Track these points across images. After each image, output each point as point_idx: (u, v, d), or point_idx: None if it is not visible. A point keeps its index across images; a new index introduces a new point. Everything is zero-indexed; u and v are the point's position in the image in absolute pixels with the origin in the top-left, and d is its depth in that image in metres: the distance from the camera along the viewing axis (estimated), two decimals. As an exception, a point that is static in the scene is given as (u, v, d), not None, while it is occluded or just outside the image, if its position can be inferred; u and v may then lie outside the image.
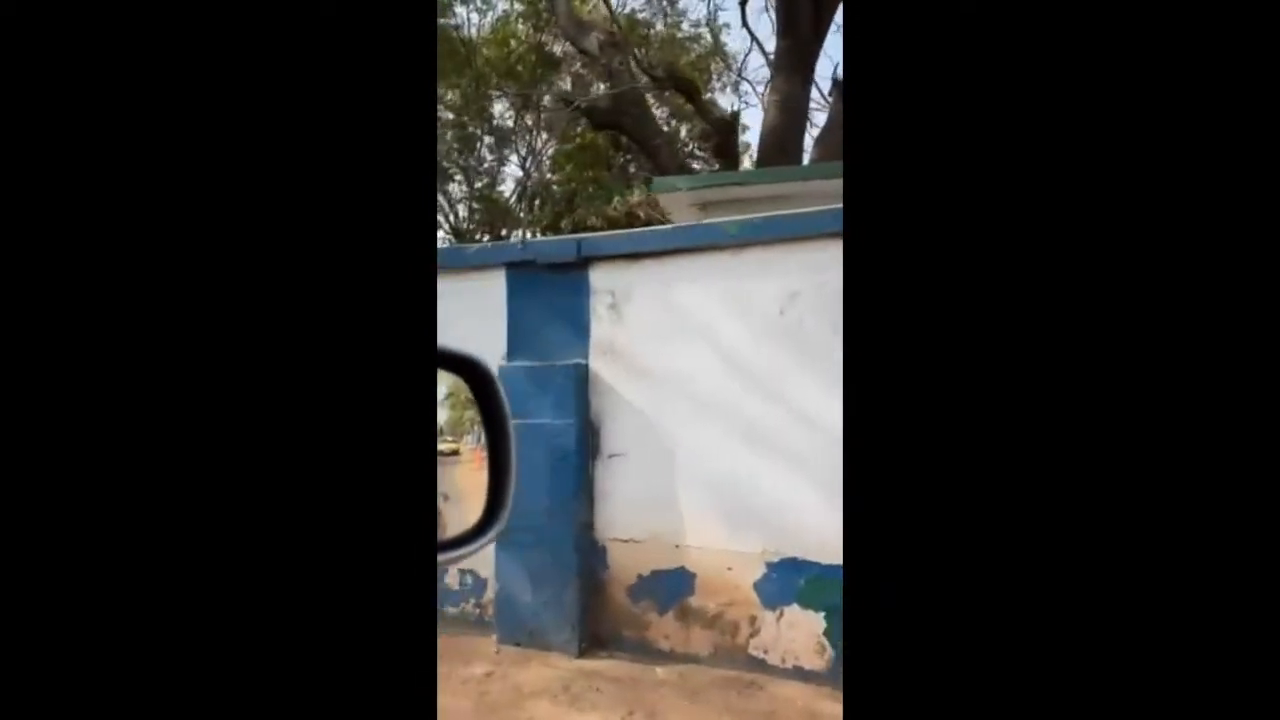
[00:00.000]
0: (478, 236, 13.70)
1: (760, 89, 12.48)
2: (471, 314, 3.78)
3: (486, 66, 11.75)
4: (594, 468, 3.46)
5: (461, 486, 0.87)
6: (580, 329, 3.52)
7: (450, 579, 3.79)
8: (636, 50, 7.37)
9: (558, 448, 3.40)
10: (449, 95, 12.71)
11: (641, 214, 12.63)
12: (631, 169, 14.42)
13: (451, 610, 3.79)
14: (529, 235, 11.53)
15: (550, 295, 3.60)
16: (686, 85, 6.35)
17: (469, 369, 0.83)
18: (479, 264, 3.78)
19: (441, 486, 0.80)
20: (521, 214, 13.73)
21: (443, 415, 0.89)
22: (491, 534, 0.79)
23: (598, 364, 3.48)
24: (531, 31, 12.05)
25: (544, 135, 13.38)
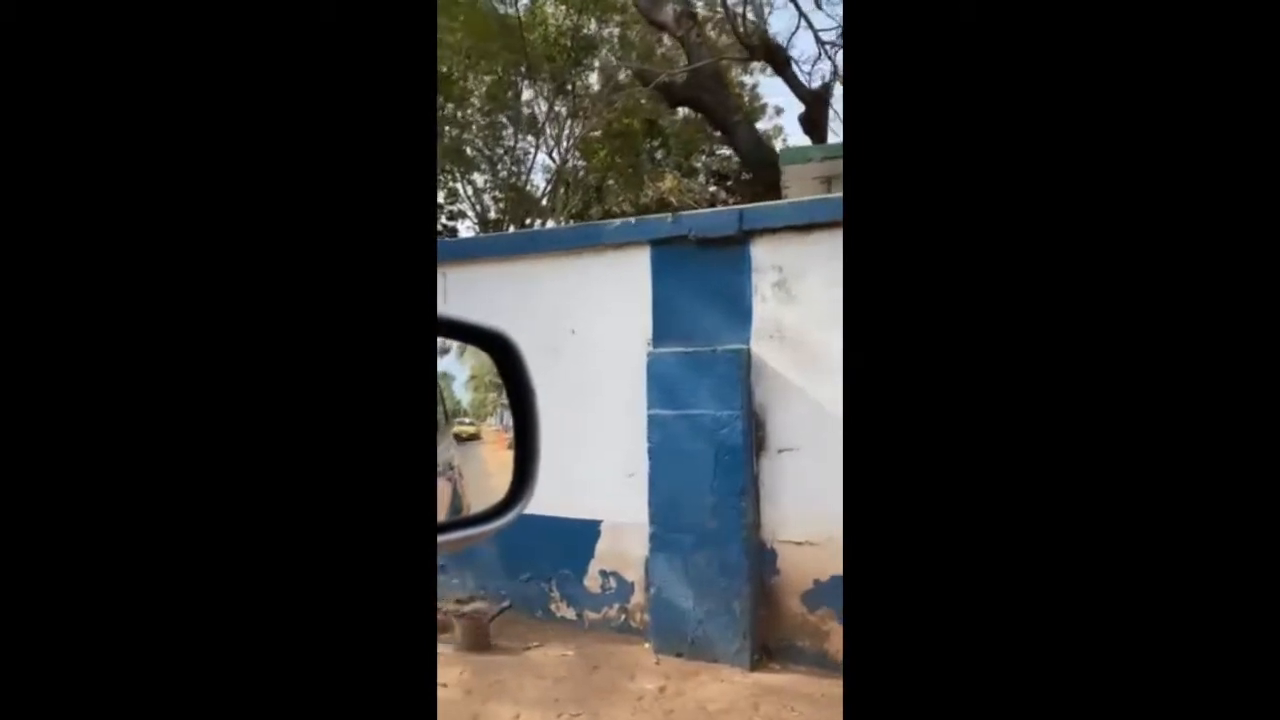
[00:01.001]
0: (502, 225, 13.44)
1: (806, 69, 12.11)
2: (609, 295, 3.49)
3: (530, 49, 11.46)
4: (760, 463, 3.16)
5: (490, 465, 0.85)
6: (741, 310, 3.22)
7: (591, 581, 3.51)
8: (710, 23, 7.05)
9: (720, 441, 3.11)
10: (483, 80, 12.42)
11: (674, 200, 12.34)
12: (658, 155, 14.11)
13: (593, 615, 3.51)
14: (560, 224, 11.22)
15: (704, 273, 3.30)
16: (779, 56, 6.01)
17: (495, 344, 0.82)
18: (619, 241, 3.48)
19: (465, 467, 0.84)
20: (545, 202, 13.44)
21: (466, 397, 0.89)
22: (516, 511, 0.78)
23: (762, 349, 3.18)
24: (565, 13, 11.74)
25: (578, 122, 13.06)
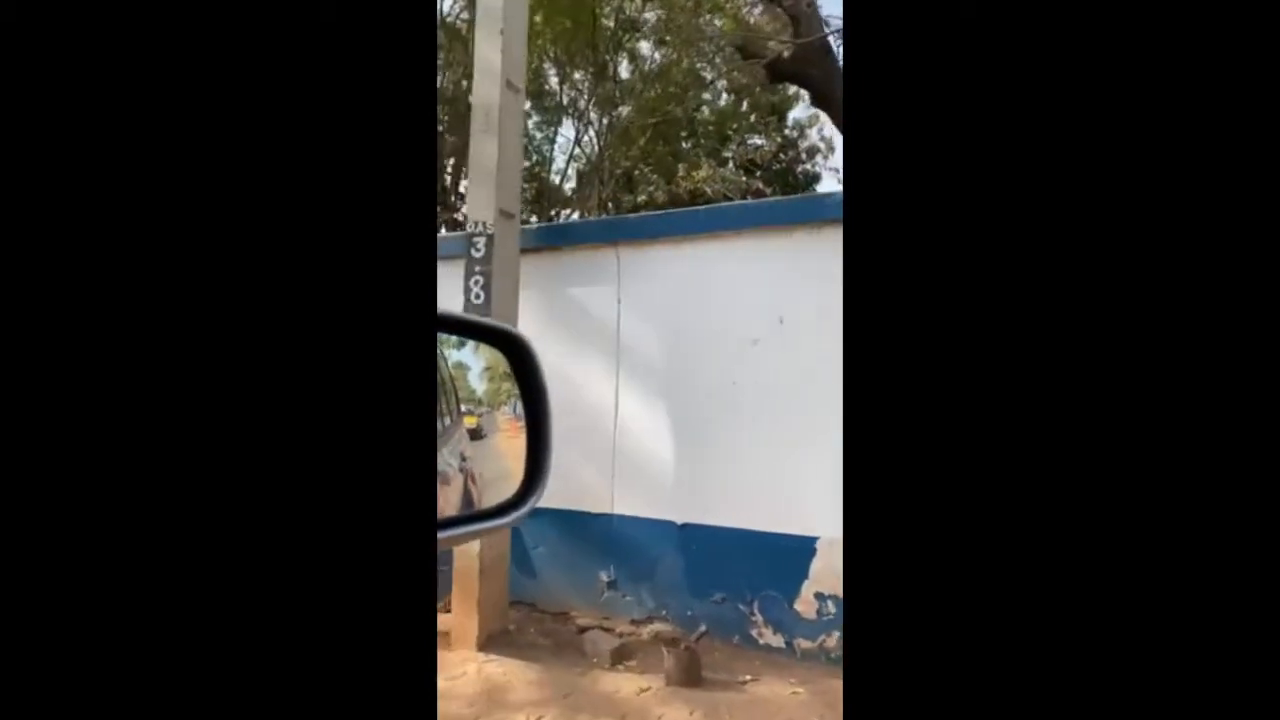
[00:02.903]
0: (524, 219, 13.00)
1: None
2: (830, 277, 3.06)
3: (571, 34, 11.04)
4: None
5: (505, 456, 0.85)
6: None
7: (804, 605, 3.09)
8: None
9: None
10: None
11: (709, 190, 11.93)
12: (686, 145, 13.71)
13: (806, 643, 3.09)
14: (587, 215, 10.82)
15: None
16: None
17: (508, 342, 0.84)
18: (838, 216, 3.04)
19: (477, 458, 0.88)
20: (571, 193, 13.02)
21: (480, 387, 0.91)
22: (528, 507, 0.80)
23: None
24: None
25: (615, 109, 12.62)
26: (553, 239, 3.68)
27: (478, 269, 3.25)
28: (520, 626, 3.48)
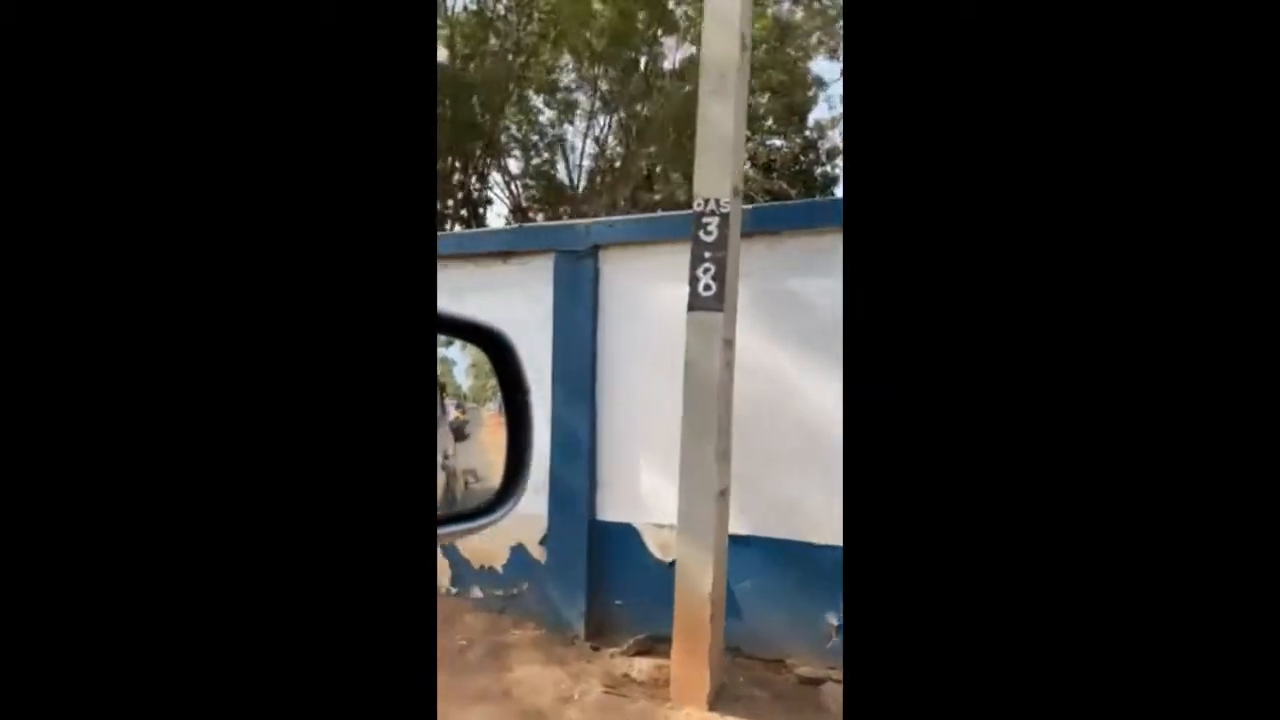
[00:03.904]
0: (531, 216, 12.58)
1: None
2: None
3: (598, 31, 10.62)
4: None
5: (487, 445, 0.86)
6: None
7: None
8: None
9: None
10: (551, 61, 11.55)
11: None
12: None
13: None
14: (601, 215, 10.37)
15: None
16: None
17: (490, 340, 0.84)
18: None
19: (461, 455, 0.87)
20: (585, 191, 12.56)
21: (466, 383, 0.91)
22: (510, 505, 0.79)
23: None
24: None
25: (641, 105, 12.19)
26: (769, 222, 3.18)
27: (707, 254, 2.75)
28: (730, 676, 2.97)
